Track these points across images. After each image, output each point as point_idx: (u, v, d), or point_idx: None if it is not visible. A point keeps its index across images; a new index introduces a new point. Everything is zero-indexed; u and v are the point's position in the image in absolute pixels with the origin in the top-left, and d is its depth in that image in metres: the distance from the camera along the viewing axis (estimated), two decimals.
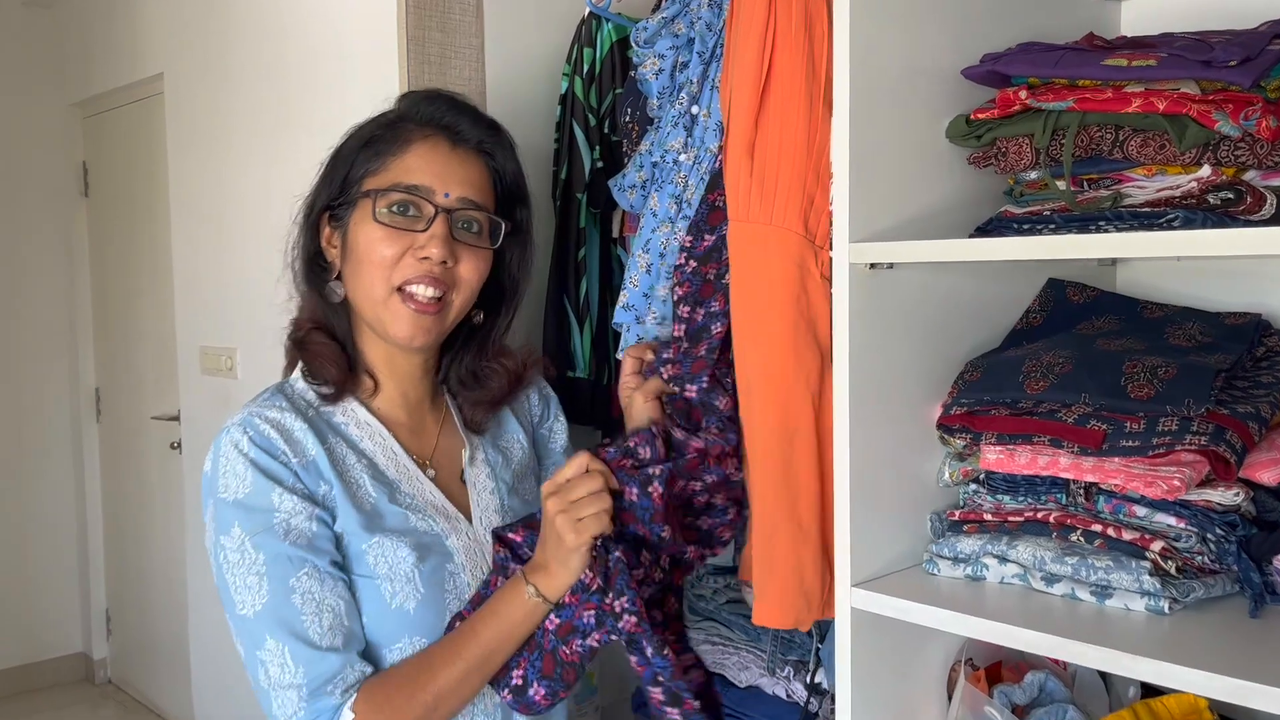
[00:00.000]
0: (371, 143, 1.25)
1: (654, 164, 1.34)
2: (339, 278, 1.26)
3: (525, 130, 1.60)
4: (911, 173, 1.16)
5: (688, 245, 1.26)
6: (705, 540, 1.22)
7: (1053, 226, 1.12)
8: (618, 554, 1.11)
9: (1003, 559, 1.11)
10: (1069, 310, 1.32)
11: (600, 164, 1.50)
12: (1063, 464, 1.10)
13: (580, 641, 1.15)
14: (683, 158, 1.30)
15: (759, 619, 1.15)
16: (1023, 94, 1.11)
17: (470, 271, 1.24)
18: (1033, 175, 1.18)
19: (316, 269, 1.28)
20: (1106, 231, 1.06)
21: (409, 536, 1.21)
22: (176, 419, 3.48)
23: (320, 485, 1.19)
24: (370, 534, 1.19)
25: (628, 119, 1.41)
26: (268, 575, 1.14)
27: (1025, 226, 1.15)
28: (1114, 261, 1.43)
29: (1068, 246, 0.98)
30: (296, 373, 1.29)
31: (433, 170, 1.21)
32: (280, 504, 1.16)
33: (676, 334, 1.23)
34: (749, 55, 1.16)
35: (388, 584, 1.19)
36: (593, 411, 1.58)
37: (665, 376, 1.26)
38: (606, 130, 1.50)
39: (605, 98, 1.50)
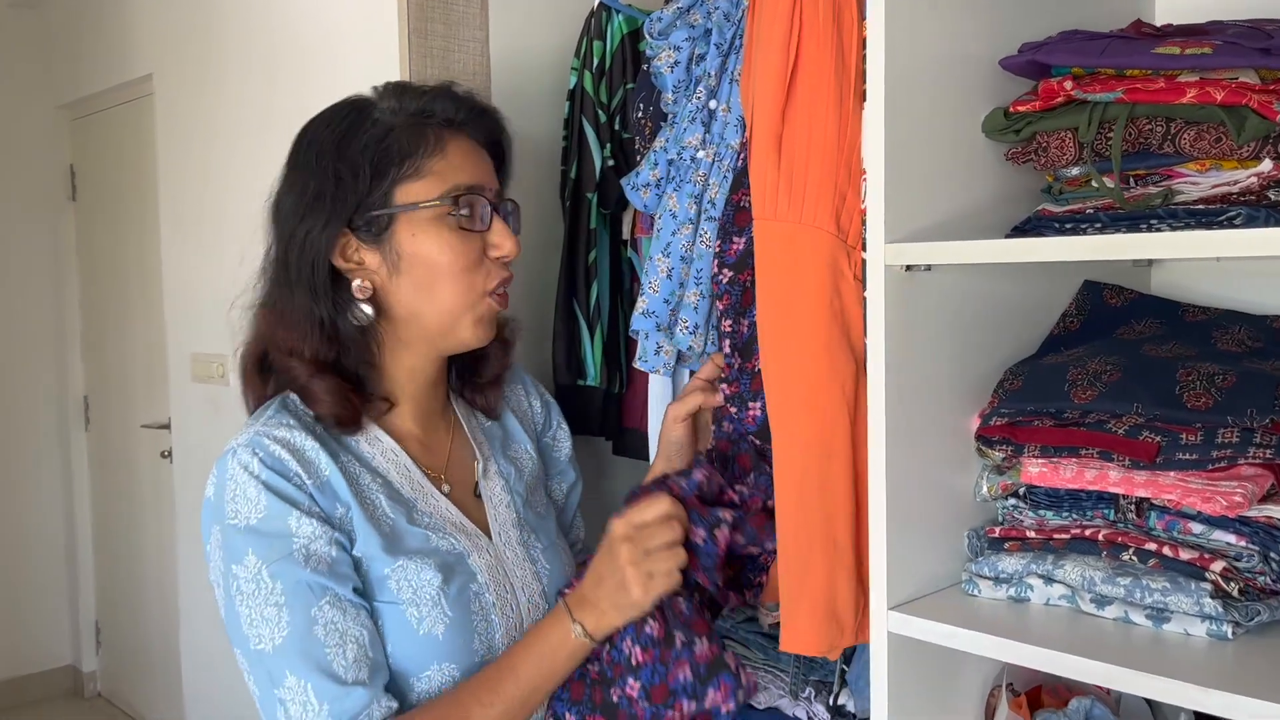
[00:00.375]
0: (390, 146, 1.15)
1: (670, 161, 1.27)
2: (369, 298, 1.16)
3: (532, 127, 1.54)
4: (947, 169, 1.10)
5: (718, 251, 1.19)
6: (737, 584, 1.16)
7: (1098, 226, 1.06)
8: (686, 608, 1.09)
9: (1049, 579, 1.05)
10: (1107, 314, 1.26)
11: (611, 162, 1.43)
12: (1113, 478, 1.03)
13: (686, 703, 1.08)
14: (701, 154, 1.24)
15: (788, 645, 1.08)
16: (1068, 84, 1.05)
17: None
18: (1074, 171, 1.11)
19: (337, 291, 1.16)
20: (1159, 230, 1.00)
21: (432, 557, 1.14)
22: (167, 427, 3.40)
23: (337, 507, 1.12)
24: (393, 557, 1.12)
25: (640, 115, 1.35)
26: (288, 606, 1.05)
27: (1067, 226, 1.08)
28: (1150, 263, 1.37)
29: (1124, 246, 0.92)
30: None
31: (476, 168, 1.19)
32: (299, 529, 1.08)
33: (726, 351, 1.17)
34: (774, 45, 1.09)
35: (414, 609, 1.12)
36: (604, 422, 1.51)
37: (726, 395, 1.20)
38: (618, 127, 1.43)
39: (616, 93, 1.43)
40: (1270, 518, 0.99)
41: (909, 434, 1.06)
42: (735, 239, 1.17)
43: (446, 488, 1.23)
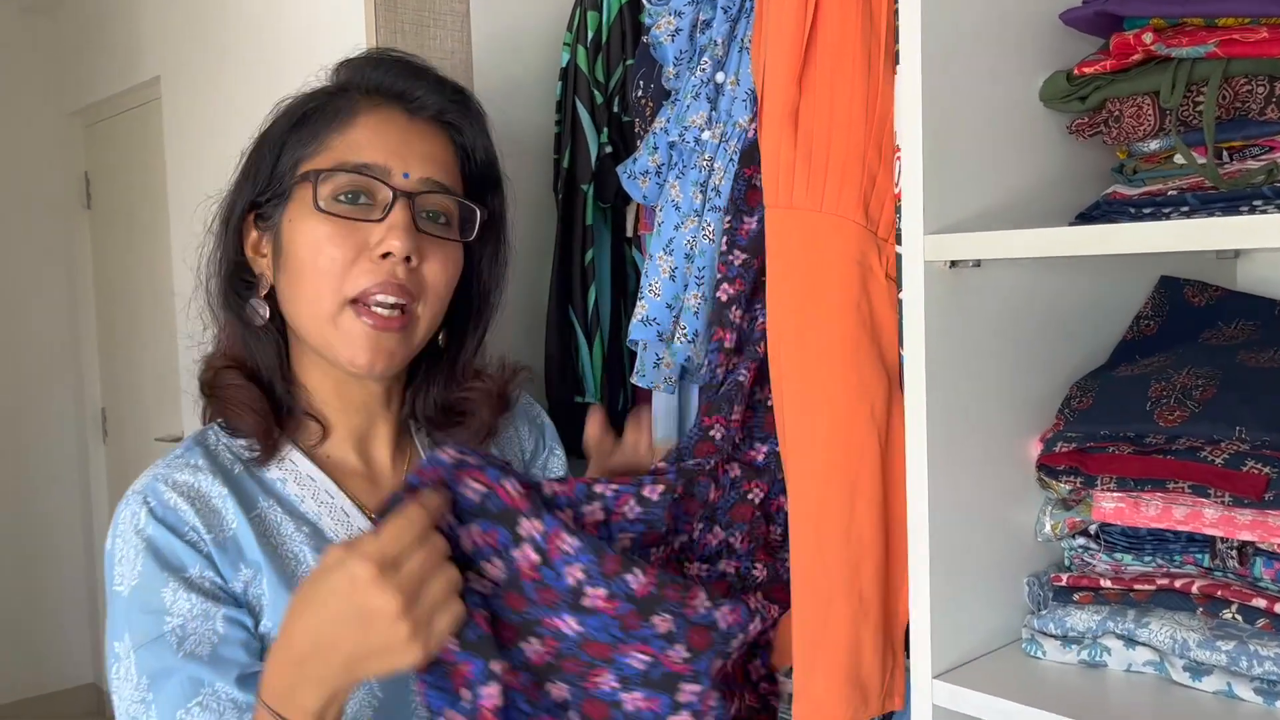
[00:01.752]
0: (306, 120, 0.99)
1: (671, 144, 1.10)
2: (268, 295, 1.00)
3: (520, 111, 1.37)
4: (998, 146, 0.91)
5: (728, 229, 1.01)
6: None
7: (1185, 210, 0.87)
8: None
9: (1130, 640, 0.86)
10: (1189, 315, 1.07)
11: (609, 149, 1.25)
12: (1208, 517, 0.84)
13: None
14: (706, 135, 1.06)
15: (801, 714, 0.90)
16: (1147, 38, 0.86)
17: (439, 273, 0.98)
18: (1154, 145, 0.92)
19: (239, 285, 1.01)
20: (1264, 213, 0.81)
21: None
22: (180, 440, 3.28)
23: (241, 570, 0.93)
24: None
25: (640, 94, 1.17)
26: (155, 704, 0.87)
27: (1145, 211, 0.90)
28: (1235, 254, 1.17)
29: (1221, 233, 0.73)
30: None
31: (387, 145, 0.96)
32: (174, 604, 0.89)
33: (727, 344, 0.99)
34: (788, 1, 0.91)
35: None
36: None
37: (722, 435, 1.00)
38: (616, 109, 1.26)
39: (615, 70, 1.26)
40: None
41: (955, 463, 0.88)
42: (747, 218, 1.00)
43: None
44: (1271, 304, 1.07)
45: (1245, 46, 0.82)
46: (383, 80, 1.00)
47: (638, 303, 1.09)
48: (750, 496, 0.98)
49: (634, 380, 1.12)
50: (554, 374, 1.32)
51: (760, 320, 0.99)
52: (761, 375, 0.99)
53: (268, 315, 0.99)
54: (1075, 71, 0.92)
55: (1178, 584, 0.86)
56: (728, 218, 1.01)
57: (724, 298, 1.00)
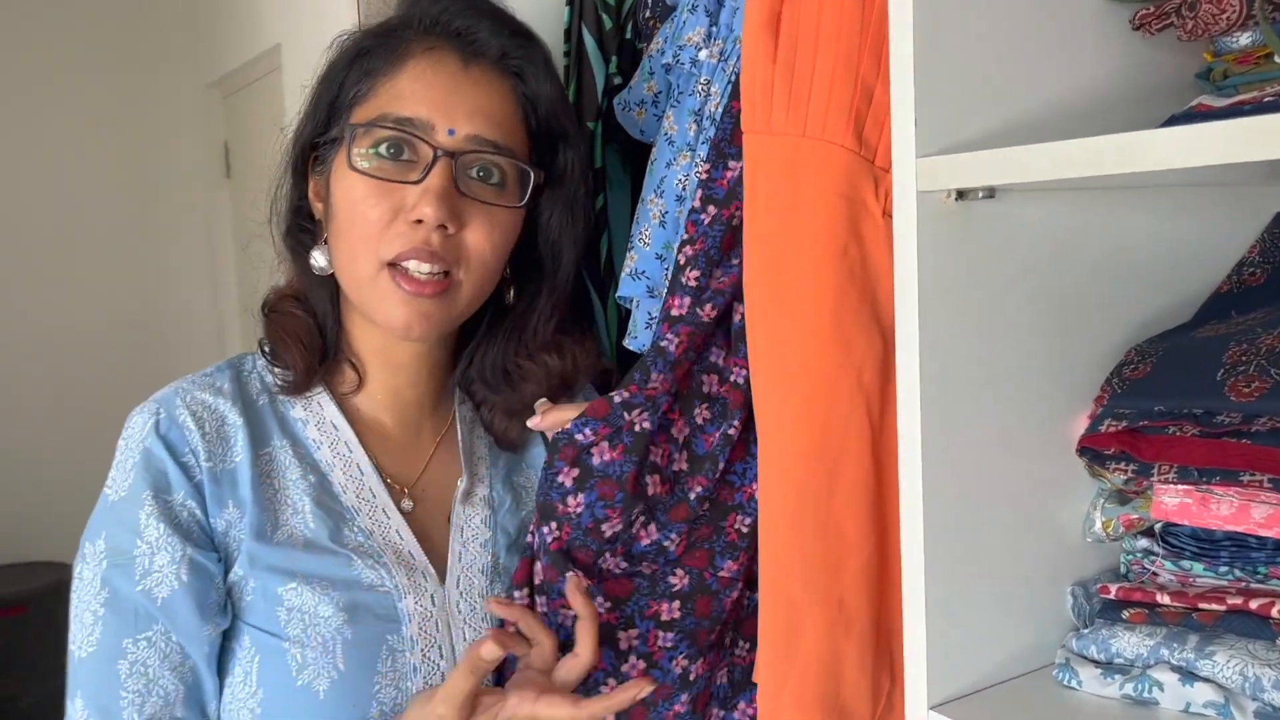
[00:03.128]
0: (362, 56, 0.94)
1: (665, 68, 0.94)
2: (326, 242, 0.96)
3: None
4: (1035, 46, 0.72)
5: (704, 179, 0.86)
6: None
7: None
8: None
9: (1189, 674, 0.67)
10: None
11: (619, 80, 1.10)
12: None
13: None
14: (703, 54, 0.91)
15: None
16: None
17: (482, 240, 0.91)
18: (1244, 40, 0.72)
19: (299, 229, 0.99)
20: None
21: (341, 591, 0.89)
22: None
23: (227, 506, 0.90)
24: (288, 578, 0.88)
25: (648, 13, 1.02)
26: (104, 621, 0.87)
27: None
28: None
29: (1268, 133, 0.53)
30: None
31: (433, 96, 0.90)
32: (145, 529, 0.87)
33: (677, 312, 0.84)
34: None
35: (298, 650, 0.87)
36: None
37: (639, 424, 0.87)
38: (629, 36, 1.11)
39: None
40: None
41: (961, 445, 0.70)
42: (731, 164, 0.84)
43: (409, 504, 0.97)
44: None
45: None
46: (440, 16, 0.94)
47: (628, 254, 0.95)
48: (689, 495, 0.84)
49: (626, 343, 0.98)
50: None
51: (716, 280, 0.83)
52: (704, 342, 0.84)
53: (328, 269, 0.96)
54: None
55: (1254, 604, 0.67)
56: (705, 165, 0.85)
57: (682, 259, 0.84)
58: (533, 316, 1.01)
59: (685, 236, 0.86)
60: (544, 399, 0.98)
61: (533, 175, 0.93)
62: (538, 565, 0.90)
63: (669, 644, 0.87)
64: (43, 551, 3.83)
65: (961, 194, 0.68)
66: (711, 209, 0.85)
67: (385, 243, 0.89)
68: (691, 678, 0.88)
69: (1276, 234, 0.86)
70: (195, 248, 4.17)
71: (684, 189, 0.91)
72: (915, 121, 0.66)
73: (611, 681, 0.87)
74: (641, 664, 0.87)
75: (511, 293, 1.00)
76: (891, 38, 0.67)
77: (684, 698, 0.88)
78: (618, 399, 0.86)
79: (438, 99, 0.90)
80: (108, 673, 0.87)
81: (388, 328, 0.92)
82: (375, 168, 0.89)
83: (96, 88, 3.96)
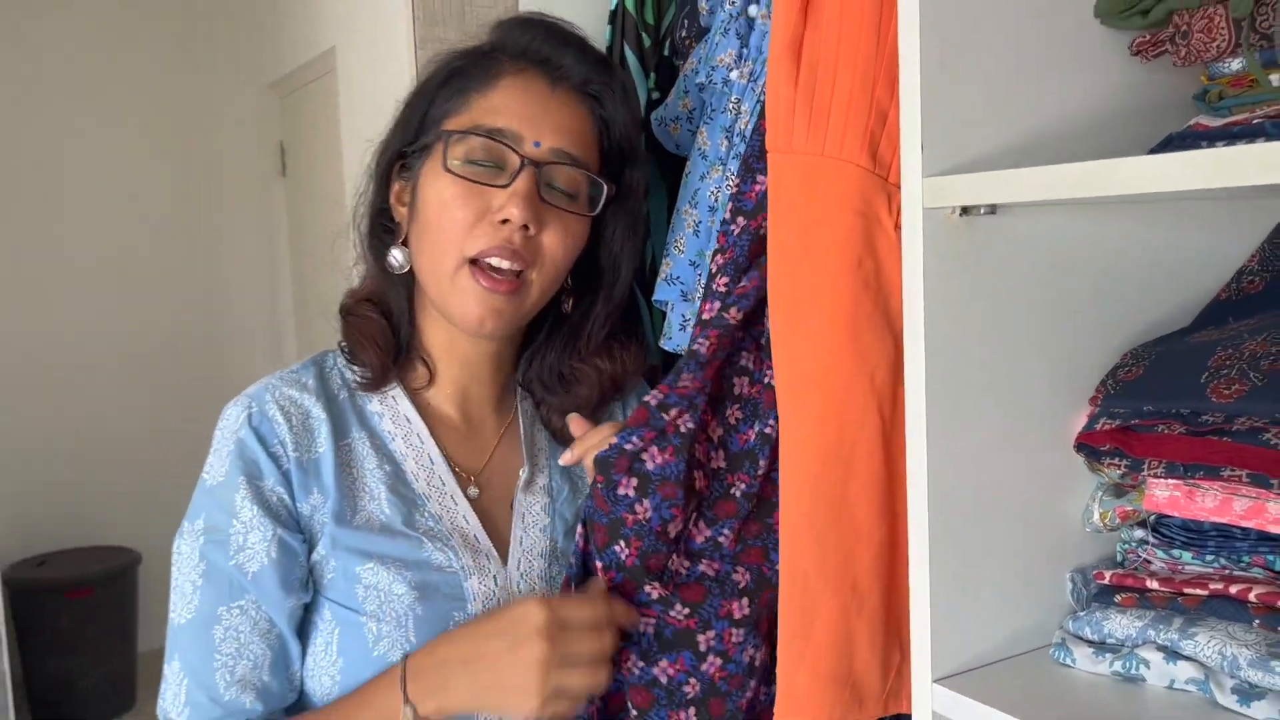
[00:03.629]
0: (455, 76, 1.04)
1: (699, 87, 1.01)
2: (405, 243, 1.05)
3: None
4: (1037, 71, 0.78)
5: (735, 193, 0.92)
6: None
7: (1264, 140, 0.72)
8: None
9: (1172, 653, 0.73)
10: None
11: (657, 95, 1.17)
12: (1273, 512, 0.70)
13: None
14: (734, 75, 0.97)
15: (782, 713, 0.81)
16: None
17: (557, 243, 1.00)
18: (1235, 66, 0.77)
19: (381, 230, 1.08)
20: None
21: (413, 571, 0.97)
22: None
23: (312, 492, 0.98)
24: (365, 559, 0.97)
25: (684, 34, 1.09)
26: (199, 591, 0.96)
27: (1222, 144, 0.75)
28: None
29: (1250, 162, 0.59)
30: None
31: (523, 112, 0.99)
32: (240, 510, 0.97)
33: (708, 316, 0.90)
34: None
35: (374, 624, 0.96)
36: None
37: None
38: (669, 53, 1.18)
39: (666, 12, 1.17)
40: None
41: (965, 441, 0.77)
42: (760, 178, 0.90)
43: (474, 491, 1.06)
44: None
45: None
46: (530, 44, 1.02)
47: (663, 261, 1.02)
48: (733, 491, 0.90)
49: (662, 344, 1.05)
50: None
51: (741, 285, 0.89)
52: (732, 344, 0.90)
53: (406, 265, 1.04)
54: None
55: (1234, 590, 0.72)
56: (736, 179, 0.92)
57: (714, 267, 0.91)
58: (588, 324, 1.09)
59: (717, 246, 0.93)
60: (574, 415, 1.06)
61: (605, 188, 1.02)
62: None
63: (739, 639, 0.92)
64: (108, 537, 3.98)
65: (965, 210, 0.74)
66: (741, 220, 0.92)
67: (471, 240, 0.97)
68: (757, 664, 0.93)
69: (1276, 244, 0.91)
70: (252, 241, 4.29)
71: (716, 200, 0.98)
72: (922, 145, 0.73)
73: (694, 681, 0.92)
74: (719, 660, 0.92)
75: (570, 303, 1.08)
76: (901, 66, 0.73)
77: (752, 684, 0.94)
78: (653, 402, 0.92)
79: (526, 114, 0.99)
80: (204, 637, 0.96)
81: (462, 322, 1.00)
82: (467, 171, 0.98)
83: (162, 89, 4.10)
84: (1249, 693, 0.69)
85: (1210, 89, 0.80)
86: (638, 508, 0.91)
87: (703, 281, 0.99)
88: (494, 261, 0.97)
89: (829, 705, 0.79)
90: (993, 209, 0.74)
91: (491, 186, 0.97)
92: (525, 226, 0.97)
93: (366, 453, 1.02)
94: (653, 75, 1.17)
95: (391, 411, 1.05)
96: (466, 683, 0.90)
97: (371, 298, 1.07)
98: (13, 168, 3.77)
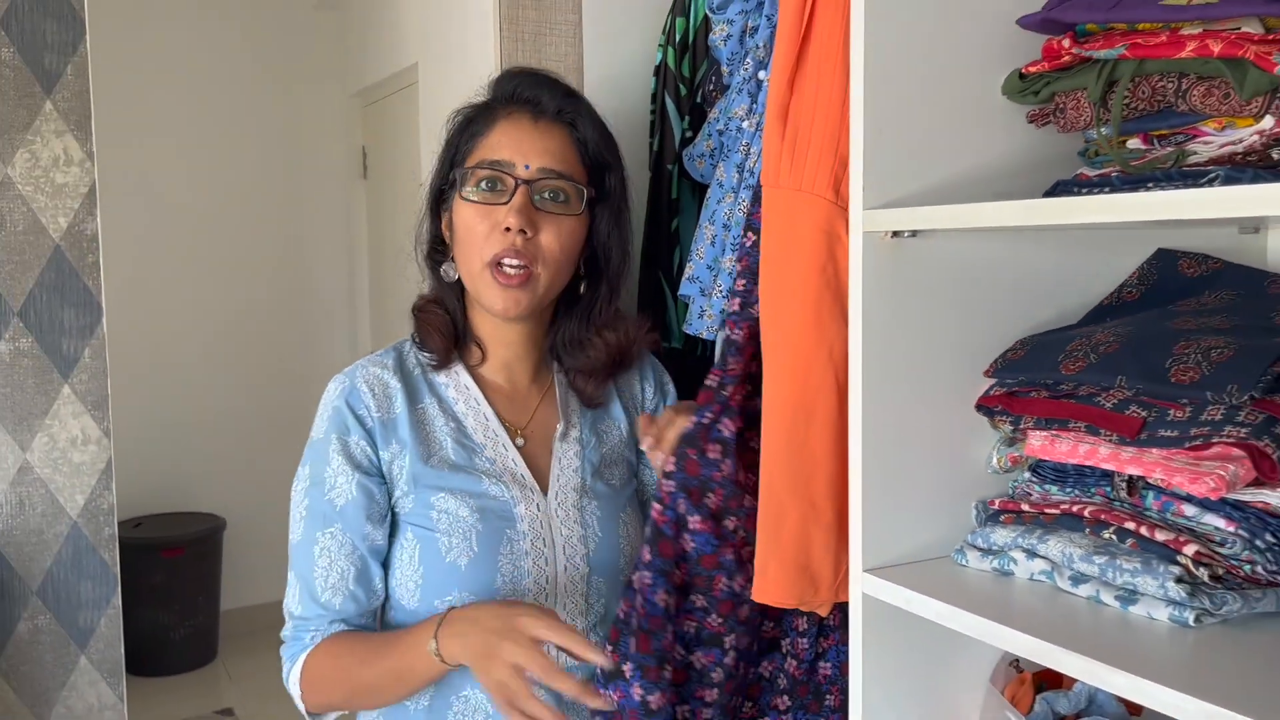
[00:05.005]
0: (468, 124, 1.33)
1: (719, 132, 1.31)
2: (453, 258, 1.33)
3: (625, 104, 1.62)
4: (956, 132, 1.08)
5: (747, 214, 1.23)
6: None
7: (1108, 189, 1.01)
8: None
9: (1031, 553, 1.02)
10: (1178, 284, 1.17)
11: (690, 134, 1.48)
12: (1102, 454, 0.99)
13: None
14: (746, 124, 1.27)
15: (758, 595, 1.11)
16: (1065, 43, 1.00)
17: (553, 240, 1.27)
18: (1103, 131, 1.06)
19: (436, 252, 1.38)
20: (1152, 192, 0.94)
21: (476, 499, 1.28)
22: None
23: (392, 443, 1.29)
24: (438, 491, 1.27)
25: (711, 88, 1.39)
26: (306, 520, 1.27)
27: (1083, 190, 1.04)
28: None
29: (1066, 211, 0.88)
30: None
31: (514, 144, 1.27)
32: (332, 460, 1.27)
33: (733, 310, 1.20)
34: (788, 15, 1.11)
35: (446, 538, 1.26)
36: (688, 384, 1.57)
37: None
38: (699, 100, 1.48)
39: (699, 68, 1.48)
40: (1267, 504, 0.91)
41: (900, 402, 1.06)
42: None
43: (520, 441, 1.35)
44: (1263, 276, 1.16)
45: (1148, 49, 0.95)
46: (515, 90, 1.31)
47: (687, 264, 1.32)
48: (753, 444, 1.19)
49: (685, 329, 1.36)
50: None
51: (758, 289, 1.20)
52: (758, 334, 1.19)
53: (455, 275, 1.33)
54: (1023, 70, 1.06)
55: (1075, 509, 1.01)
56: (747, 204, 1.22)
57: (733, 272, 1.21)
58: (595, 301, 1.37)
59: (734, 255, 1.23)
60: (646, 420, 1.31)
61: (586, 191, 1.29)
62: (689, 533, 1.19)
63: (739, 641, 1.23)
64: (199, 503, 4.36)
65: (895, 234, 1.03)
66: (751, 235, 1.22)
67: (487, 247, 1.25)
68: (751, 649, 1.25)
69: (1154, 264, 1.19)
70: (334, 238, 4.65)
71: (729, 219, 1.28)
72: (863, 187, 1.02)
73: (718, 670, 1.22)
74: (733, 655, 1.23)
75: (584, 286, 1.37)
76: (850, 131, 1.03)
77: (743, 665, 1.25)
78: (712, 383, 1.20)
79: (517, 145, 1.27)
80: (307, 553, 1.27)
81: (492, 311, 1.29)
82: (479, 196, 1.27)
83: (258, 98, 4.47)
84: (1078, 579, 0.98)
85: (1089, 148, 1.09)
86: (723, 466, 1.18)
87: (719, 280, 1.29)
88: (506, 261, 1.25)
89: (791, 587, 1.09)
90: (914, 234, 1.04)
91: (497, 205, 1.26)
92: (523, 231, 1.24)
93: (436, 413, 1.32)
94: (687, 119, 1.48)
95: (455, 383, 1.35)
96: (471, 642, 1.13)
97: (435, 300, 1.37)
98: (131, 176, 4.15)
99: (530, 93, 1.31)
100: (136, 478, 4.14)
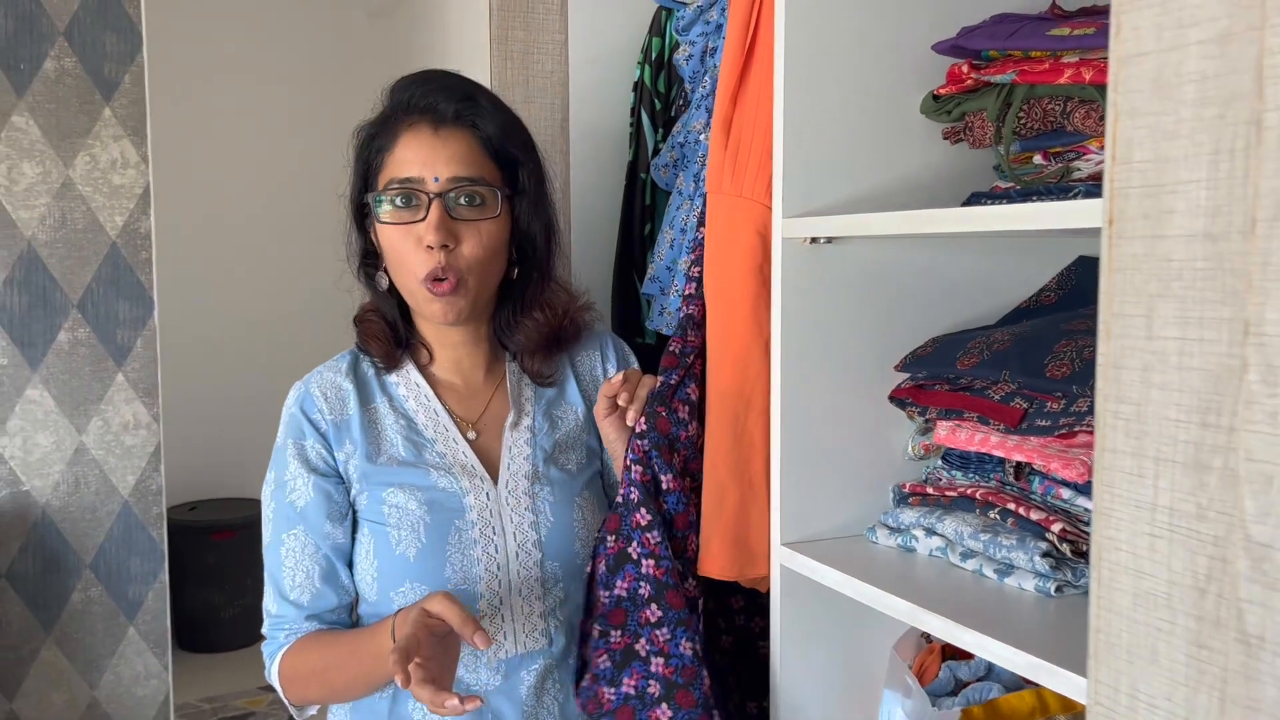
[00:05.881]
0: (373, 139, 1.32)
1: (680, 144, 1.43)
2: (385, 269, 1.33)
3: (608, 117, 1.74)
4: (883, 147, 1.18)
5: (700, 215, 1.34)
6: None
7: (1006, 201, 1.11)
8: None
9: (930, 531, 1.12)
10: (1095, 289, 1.26)
11: (662, 146, 1.60)
12: (993, 441, 1.09)
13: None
14: (703, 138, 1.39)
15: (703, 569, 1.22)
16: (965, 68, 1.10)
17: (476, 246, 1.27)
18: (1001, 149, 1.15)
19: (367, 262, 1.38)
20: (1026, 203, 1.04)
21: (424, 492, 1.30)
22: None
23: (345, 443, 1.33)
24: (388, 486, 1.31)
25: (681, 103, 1.51)
26: (273, 521, 1.33)
27: (990, 201, 1.14)
28: None
29: (930, 221, 0.98)
30: None
31: (419, 158, 1.25)
32: (290, 464, 1.32)
33: (690, 293, 1.30)
34: (734, 36, 1.23)
35: (395, 531, 1.29)
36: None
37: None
38: (673, 115, 1.60)
39: (673, 85, 1.59)
40: None
41: (820, 393, 1.17)
42: None
43: (473, 434, 1.36)
44: None
45: (1034, 75, 1.05)
46: (411, 99, 1.29)
47: (649, 265, 1.44)
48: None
49: (647, 324, 1.47)
50: (618, 318, 1.69)
51: None
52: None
53: (387, 284, 1.34)
54: (935, 92, 1.16)
55: (970, 492, 1.11)
56: (700, 209, 1.34)
57: (685, 264, 1.33)
58: (527, 285, 1.36)
59: (690, 249, 1.35)
60: (616, 380, 1.30)
61: (500, 191, 1.27)
62: (662, 493, 1.23)
63: (667, 636, 1.23)
64: (250, 489, 4.56)
65: (813, 240, 1.14)
66: (704, 230, 1.33)
67: (415, 265, 1.25)
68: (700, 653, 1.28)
69: (1074, 270, 1.28)
70: None
71: (686, 224, 1.40)
72: (783, 197, 1.13)
73: (653, 683, 1.21)
74: (661, 660, 1.22)
75: (516, 272, 1.34)
76: (774, 150, 1.14)
77: (705, 673, 1.26)
78: (674, 349, 1.27)
79: (423, 158, 1.25)
80: (275, 554, 1.31)
81: (432, 320, 1.31)
82: (396, 217, 1.25)
83: (305, 101, 4.65)
84: (967, 554, 1.08)
85: (999, 163, 1.18)
86: (690, 427, 1.23)
87: (676, 280, 1.41)
88: (435, 278, 1.24)
89: (731, 561, 1.20)
90: (829, 240, 1.14)
91: (414, 223, 1.24)
92: (445, 245, 1.22)
93: (387, 412, 1.35)
94: (660, 130, 1.60)
95: (406, 382, 1.37)
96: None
97: (373, 308, 1.38)
98: (184, 177, 4.36)
99: (426, 100, 1.28)
100: (190, 463, 4.34)
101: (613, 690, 1.21)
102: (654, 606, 1.20)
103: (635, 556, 1.23)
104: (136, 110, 2.74)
